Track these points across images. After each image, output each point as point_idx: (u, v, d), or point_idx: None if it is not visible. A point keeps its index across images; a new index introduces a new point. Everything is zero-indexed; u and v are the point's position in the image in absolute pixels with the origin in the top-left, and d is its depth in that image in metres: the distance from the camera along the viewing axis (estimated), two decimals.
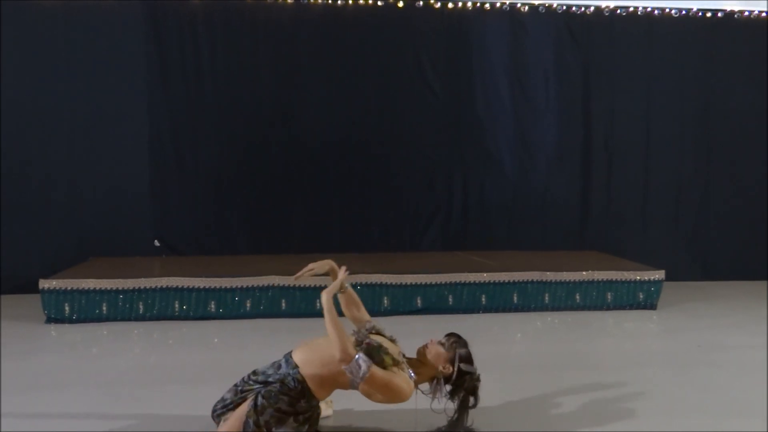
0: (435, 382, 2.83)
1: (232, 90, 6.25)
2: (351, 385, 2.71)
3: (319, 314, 5.45)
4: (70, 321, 4.92)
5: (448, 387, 2.84)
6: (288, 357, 2.79)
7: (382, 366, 2.67)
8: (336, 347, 2.64)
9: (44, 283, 4.93)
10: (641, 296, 5.49)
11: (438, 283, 5.30)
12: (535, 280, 5.40)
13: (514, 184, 6.67)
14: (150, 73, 6.14)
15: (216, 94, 6.24)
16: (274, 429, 2.59)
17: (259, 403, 2.61)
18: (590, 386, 3.60)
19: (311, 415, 2.69)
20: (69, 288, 4.93)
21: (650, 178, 6.77)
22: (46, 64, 5.97)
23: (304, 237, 6.35)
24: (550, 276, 5.42)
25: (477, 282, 5.34)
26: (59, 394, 3.46)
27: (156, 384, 3.66)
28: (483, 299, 5.35)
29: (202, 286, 5.07)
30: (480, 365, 3.94)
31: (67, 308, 4.92)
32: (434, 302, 5.29)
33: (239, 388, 2.78)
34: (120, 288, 4.97)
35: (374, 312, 5.15)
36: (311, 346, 2.79)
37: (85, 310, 4.94)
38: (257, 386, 2.71)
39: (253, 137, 6.31)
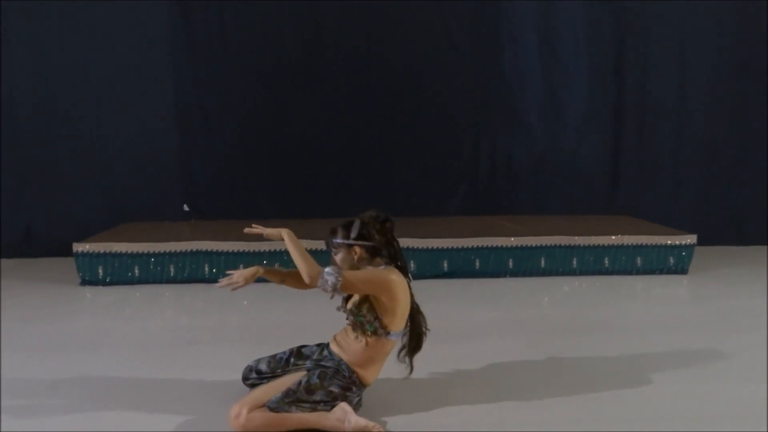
0: (369, 261, 2.71)
1: (257, 53, 6.21)
2: (386, 346, 2.68)
3: None
4: (104, 283, 5.05)
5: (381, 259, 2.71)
6: (329, 351, 2.76)
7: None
8: (302, 272, 2.59)
9: (78, 247, 5.05)
10: (672, 261, 5.41)
11: (464, 247, 5.29)
12: (563, 244, 5.35)
13: (542, 146, 6.55)
14: (174, 37, 6.14)
15: (241, 58, 6.21)
16: (319, 408, 2.58)
17: (313, 382, 2.60)
18: (617, 351, 3.58)
19: (358, 402, 2.70)
20: (102, 251, 5.05)
21: (683, 140, 6.58)
22: (73, 30, 6.00)
23: (330, 201, 6.36)
24: (578, 240, 5.36)
25: (504, 246, 5.31)
26: (94, 354, 3.56)
27: (187, 345, 3.75)
28: (510, 263, 5.33)
29: (230, 250, 5.14)
30: (506, 330, 3.98)
31: (100, 271, 5.05)
32: (461, 266, 5.29)
33: (281, 366, 2.78)
34: (151, 251, 5.07)
35: None
36: (343, 336, 2.78)
37: (118, 273, 5.06)
38: (308, 364, 2.72)
39: (278, 101, 6.29)
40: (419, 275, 5.22)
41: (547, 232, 5.43)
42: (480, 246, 5.30)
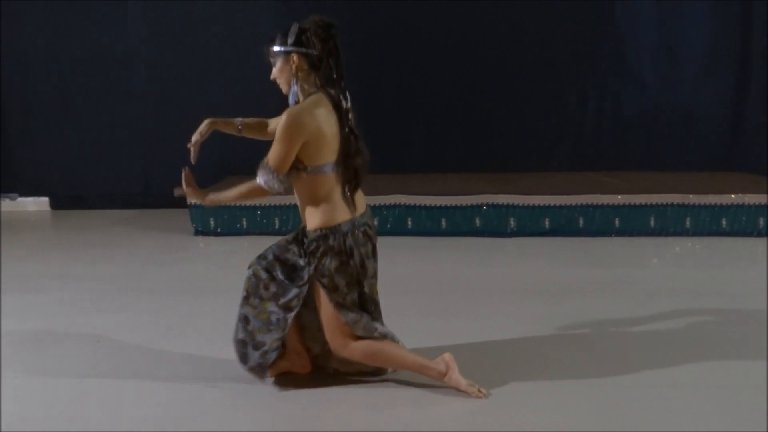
0: (308, 73, 2.44)
1: (351, 8, 6.18)
2: (321, 181, 2.45)
3: (444, 233, 5.51)
4: (215, 234, 5.35)
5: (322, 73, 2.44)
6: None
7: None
8: (252, 195, 2.47)
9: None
10: None
11: (568, 204, 5.12)
12: (675, 203, 5.05)
13: (654, 96, 6.13)
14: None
15: (336, 13, 6.18)
16: (362, 279, 2.47)
17: (325, 284, 2.45)
18: (731, 317, 3.37)
19: (365, 240, 2.48)
20: None
21: None
22: None
23: (427, 156, 6.32)
24: (692, 199, 5.03)
25: (610, 204, 5.09)
26: (205, 298, 3.81)
27: None
28: (616, 222, 5.11)
29: None
30: (610, 290, 3.85)
31: (212, 222, 5.36)
32: (563, 224, 5.13)
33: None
34: (258, 204, 5.31)
35: (499, 234, 5.14)
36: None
37: (228, 224, 5.35)
38: (305, 278, 2.47)
39: (373, 55, 6.24)
40: (519, 233, 5.14)
41: (658, 189, 5.13)
42: (584, 204, 5.11)
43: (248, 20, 6.24)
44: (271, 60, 2.51)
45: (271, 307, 2.52)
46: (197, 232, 5.39)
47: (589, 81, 6.20)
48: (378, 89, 6.29)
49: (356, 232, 2.47)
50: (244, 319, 2.58)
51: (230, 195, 2.56)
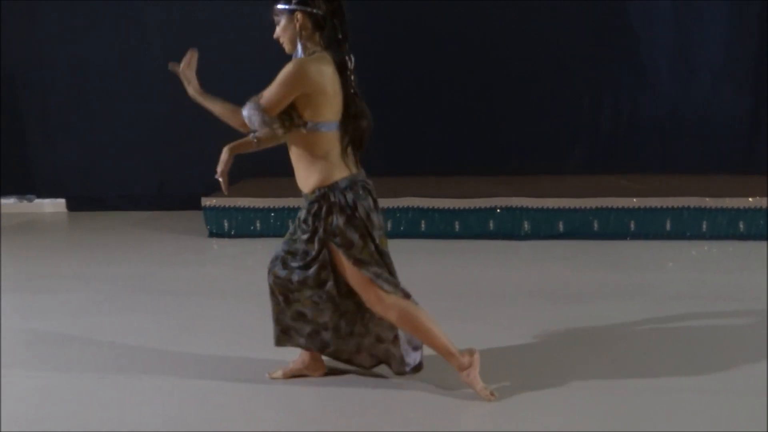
0: (311, 32, 2.46)
1: (365, 10, 6.14)
2: (321, 139, 2.45)
3: (458, 236, 5.50)
4: (229, 236, 5.37)
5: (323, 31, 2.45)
6: (301, 221, 2.57)
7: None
8: (230, 120, 2.52)
9: (206, 201, 5.40)
10: None
11: (582, 207, 5.08)
12: (691, 206, 4.99)
13: (671, 100, 6.06)
14: None
15: (352, 12, 6.19)
16: (371, 231, 2.47)
17: (339, 243, 2.44)
18: (749, 321, 3.33)
19: (365, 194, 2.49)
20: (227, 206, 5.36)
21: None
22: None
23: (441, 159, 6.30)
24: (709, 202, 4.98)
25: (625, 207, 5.04)
26: (218, 300, 3.83)
27: None
28: (632, 225, 5.06)
29: None
30: (624, 294, 3.81)
31: (226, 224, 5.38)
32: (578, 227, 5.09)
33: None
34: (271, 206, 5.32)
35: (512, 237, 5.11)
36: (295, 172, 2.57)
37: (242, 226, 5.36)
38: (316, 246, 2.49)
39: (388, 56, 6.24)
40: (533, 236, 5.11)
41: (674, 192, 5.08)
42: (599, 207, 5.07)
43: (264, 23, 6.25)
44: (275, 18, 2.52)
45: (307, 291, 2.55)
46: (211, 234, 5.41)
47: (605, 83, 6.14)
48: (390, 91, 6.27)
49: (355, 187, 2.48)
50: (300, 315, 2.61)
51: (212, 107, 2.66)
